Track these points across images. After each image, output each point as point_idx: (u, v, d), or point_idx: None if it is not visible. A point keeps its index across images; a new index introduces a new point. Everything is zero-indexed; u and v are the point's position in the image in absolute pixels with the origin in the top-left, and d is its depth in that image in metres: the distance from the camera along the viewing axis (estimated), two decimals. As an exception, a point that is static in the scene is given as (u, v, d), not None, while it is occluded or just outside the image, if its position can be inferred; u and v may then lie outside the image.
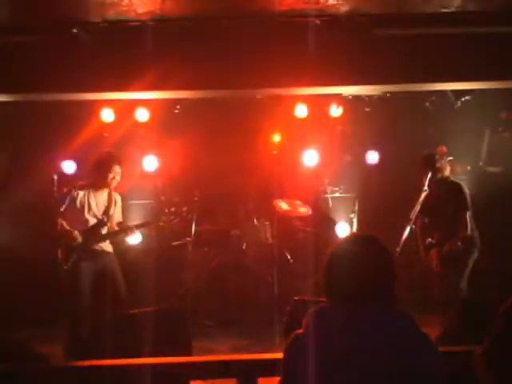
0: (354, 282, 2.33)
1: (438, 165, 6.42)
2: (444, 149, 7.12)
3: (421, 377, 2.22)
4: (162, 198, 7.90)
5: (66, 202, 6.43)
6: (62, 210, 6.33)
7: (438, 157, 6.55)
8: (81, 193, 6.52)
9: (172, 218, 7.02)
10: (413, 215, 6.09)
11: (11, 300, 7.27)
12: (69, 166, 8.17)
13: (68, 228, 6.30)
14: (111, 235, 6.63)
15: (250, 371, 3.60)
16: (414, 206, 6.17)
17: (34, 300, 7.44)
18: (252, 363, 3.70)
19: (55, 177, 6.09)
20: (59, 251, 5.98)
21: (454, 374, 3.05)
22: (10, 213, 7.82)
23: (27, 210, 7.73)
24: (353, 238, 2.61)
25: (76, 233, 6.31)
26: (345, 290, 2.35)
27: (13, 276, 7.52)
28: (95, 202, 6.56)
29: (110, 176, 6.50)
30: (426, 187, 6.15)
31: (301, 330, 2.37)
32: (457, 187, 6.46)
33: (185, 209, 7.07)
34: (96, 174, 6.56)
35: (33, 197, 7.49)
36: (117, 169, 6.54)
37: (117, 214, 6.75)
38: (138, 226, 6.82)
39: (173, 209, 7.14)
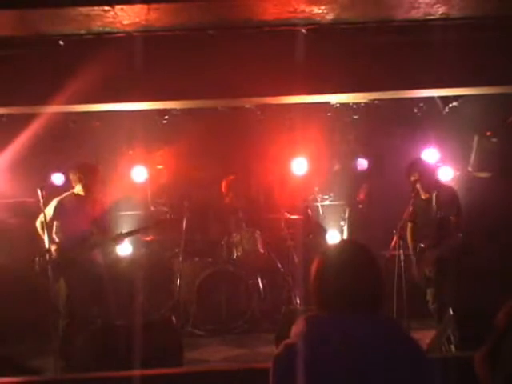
0: (344, 290, 2.32)
1: (425, 170, 6.42)
2: (433, 154, 7.16)
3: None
4: (152, 208, 7.89)
5: (51, 215, 6.46)
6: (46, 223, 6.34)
7: (425, 162, 6.55)
8: (63, 205, 6.57)
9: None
10: (402, 221, 6.10)
11: (1, 314, 7.23)
12: (58, 179, 8.14)
13: (50, 243, 6.30)
14: (99, 244, 6.63)
15: (241, 381, 3.60)
16: (404, 212, 6.18)
17: (24, 314, 7.40)
18: (244, 373, 3.70)
19: (39, 190, 6.07)
20: (49, 267, 5.95)
21: (451, 380, 3.07)
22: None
23: (16, 222, 7.70)
24: (341, 246, 2.61)
25: (53, 249, 6.31)
26: (335, 298, 2.33)
27: (2, 290, 7.47)
28: (78, 213, 6.57)
29: (74, 185, 6.60)
30: (413, 194, 6.16)
31: (291, 340, 2.35)
32: (449, 191, 6.47)
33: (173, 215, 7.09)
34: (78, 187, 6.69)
35: (23, 209, 7.49)
36: (71, 176, 6.63)
37: (104, 223, 6.76)
38: (127, 234, 6.85)
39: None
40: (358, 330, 2.26)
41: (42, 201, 6.05)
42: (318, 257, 2.45)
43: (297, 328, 2.34)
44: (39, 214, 6.36)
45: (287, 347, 2.34)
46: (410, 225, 6.46)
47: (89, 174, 6.63)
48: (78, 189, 6.65)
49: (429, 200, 6.39)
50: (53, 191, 7.00)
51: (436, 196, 6.38)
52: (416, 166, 6.49)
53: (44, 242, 6.21)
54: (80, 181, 6.62)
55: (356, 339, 2.24)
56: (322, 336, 2.26)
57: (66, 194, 6.74)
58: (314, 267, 2.43)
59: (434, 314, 6.42)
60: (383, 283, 2.40)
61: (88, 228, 6.54)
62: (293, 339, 2.34)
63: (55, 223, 6.51)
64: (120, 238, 6.84)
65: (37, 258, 6.17)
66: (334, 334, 2.25)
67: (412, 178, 6.31)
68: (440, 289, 6.34)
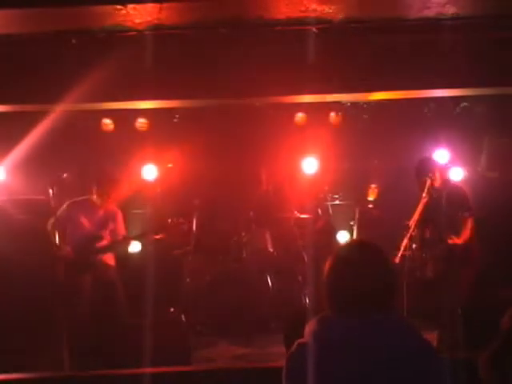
0: (356, 290, 2.29)
1: (437, 168, 6.37)
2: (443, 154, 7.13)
3: None
4: (162, 207, 7.91)
5: (63, 217, 6.53)
6: (57, 224, 6.40)
7: (436, 160, 6.49)
8: (76, 208, 6.63)
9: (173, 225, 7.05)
10: (412, 222, 6.07)
11: (11, 311, 7.26)
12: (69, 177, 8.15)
13: (61, 244, 6.36)
14: (107, 248, 6.69)
15: (249, 380, 3.61)
16: (414, 213, 6.15)
17: (33, 311, 7.42)
18: (251, 372, 3.70)
19: (51, 190, 6.12)
20: (57, 263, 6.00)
21: (460, 381, 3.06)
22: (9, 223, 7.81)
23: (25, 220, 7.72)
24: (353, 245, 2.59)
25: (67, 250, 6.38)
26: (347, 298, 2.31)
27: (12, 287, 7.50)
28: (91, 218, 6.64)
29: (95, 195, 6.67)
30: (424, 194, 6.11)
31: (304, 339, 2.34)
32: (460, 191, 6.44)
33: (181, 220, 7.11)
34: (90, 192, 6.75)
35: (30, 210, 7.52)
36: (97, 189, 6.66)
37: (118, 229, 6.82)
38: (134, 238, 6.91)
39: (169, 220, 7.17)
40: (368, 331, 2.24)
41: (52, 199, 6.10)
42: (330, 257, 2.45)
43: (309, 328, 2.34)
44: (49, 211, 6.40)
45: (300, 346, 2.33)
46: (421, 224, 6.38)
47: (105, 184, 6.70)
48: (94, 196, 6.75)
49: (438, 199, 6.32)
50: (64, 188, 7.04)
51: (446, 195, 6.32)
52: (427, 164, 6.43)
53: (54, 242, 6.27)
54: (96, 190, 6.72)
55: (365, 339, 2.23)
56: (332, 336, 2.26)
57: (81, 198, 6.81)
58: (326, 267, 2.43)
59: (446, 316, 6.36)
60: (394, 283, 2.38)
61: (98, 233, 6.62)
62: (305, 339, 2.34)
63: (67, 225, 6.59)
64: (128, 240, 6.92)
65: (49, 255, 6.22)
66: (343, 335, 2.25)
67: (423, 178, 6.25)
68: (441, 288, 6.28)
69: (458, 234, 6.23)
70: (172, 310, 7.94)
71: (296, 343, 2.36)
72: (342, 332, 2.26)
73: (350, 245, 2.64)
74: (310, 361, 2.24)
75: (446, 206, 6.29)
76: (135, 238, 7.01)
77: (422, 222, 6.34)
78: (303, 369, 2.24)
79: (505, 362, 2.41)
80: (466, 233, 6.24)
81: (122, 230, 6.91)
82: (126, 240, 6.91)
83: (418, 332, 2.31)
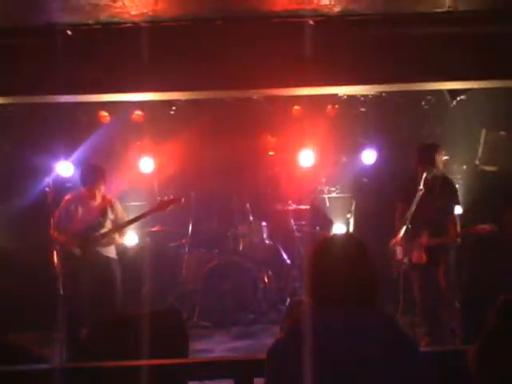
0: (335, 283, 2.34)
1: (435, 158, 6.35)
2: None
3: (406, 378, 2.21)
4: (158, 198, 7.88)
5: (62, 212, 6.52)
6: (57, 219, 6.40)
7: (434, 150, 6.48)
8: (73, 202, 6.62)
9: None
10: (409, 214, 6.06)
11: (9, 303, 7.27)
12: (66, 169, 8.14)
13: (65, 237, 6.37)
14: (104, 236, 6.65)
15: (246, 372, 3.61)
16: (410, 206, 6.14)
17: (31, 303, 7.43)
18: (248, 364, 3.70)
19: (49, 180, 6.09)
20: (55, 255, 5.97)
21: (448, 373, 3.08)
22: (6, 215, 7.81)
23: (23, 212, 7.73)
24: (334, 239, 2.60)
25: (74, 245, 6.40)
26: (327, 291, 2.35)
27: (10, 279, 7.51)
28: (88, 210, 6.63)
29: (92, 189, 6.66)
30: (421, 187, 6.09)
31: (282, 335, 2.39)
32: (449, 182, 6.47)
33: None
34: (83, 185, 6.73)
35: (29, 199, 7.52)
36: (97, 183, 6.66)
37: (117, 220, 6.80)
38: (129, 222, 6.86)
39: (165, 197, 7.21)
40: (352, 325, 2.27)
41: (49, 191, 6.07)
42: (312, 251, 2.48)
43: (289, 322, 2.38)
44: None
45: (278, 341, 2.40)
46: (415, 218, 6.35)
47: (90, 176, 6.69)
48: (84, 188, 6.74)
49: (432, 190, 6.29)
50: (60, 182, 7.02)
51: (439, 186, 6.33)
52: (427, 152, 6.39)
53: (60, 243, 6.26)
54: (83, 182, 6.71)
55: (349, 334, 2.25)
56: (315, 330, 2.27)
57: (76, 190, 6.80)
58: (308, 261, 2.46)
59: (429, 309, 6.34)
60: (375, 276, 2.40)
61: (96, 223, 6.61)
62: (284, 334, 2.39)
63: (65, 218, 6.59)
64: (123, 225, 6.87)
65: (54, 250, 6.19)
66: (326, 329, 2.28)
67: (421, 168, 6.25)
68: (433, 272, 6.27)
69: (445, 230, 6.22)
70: (169, 302, 7.96)
71: (275, 339, 2.42)
72: (322, 325, 2.28)
73: (331, 238, 2.64)
74: (287, 356, 2.29)
75: (437, 196, 6.28)
76: (132, 221, 6.95)
77: (417, 215, 6.31)
78: (282, 364, 2.30)
79: (492, 355, 2.42)
80: (455, 232, 6.23)
81: (122, 218, 6.88)
82: (123, 225, 6.86)
83: (398, 325, 2.33)
